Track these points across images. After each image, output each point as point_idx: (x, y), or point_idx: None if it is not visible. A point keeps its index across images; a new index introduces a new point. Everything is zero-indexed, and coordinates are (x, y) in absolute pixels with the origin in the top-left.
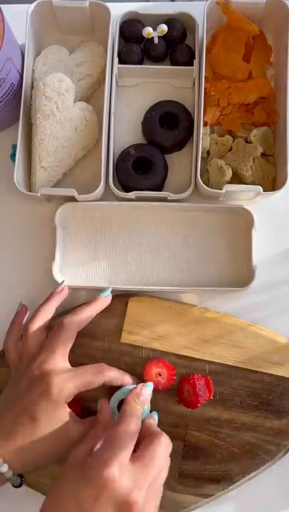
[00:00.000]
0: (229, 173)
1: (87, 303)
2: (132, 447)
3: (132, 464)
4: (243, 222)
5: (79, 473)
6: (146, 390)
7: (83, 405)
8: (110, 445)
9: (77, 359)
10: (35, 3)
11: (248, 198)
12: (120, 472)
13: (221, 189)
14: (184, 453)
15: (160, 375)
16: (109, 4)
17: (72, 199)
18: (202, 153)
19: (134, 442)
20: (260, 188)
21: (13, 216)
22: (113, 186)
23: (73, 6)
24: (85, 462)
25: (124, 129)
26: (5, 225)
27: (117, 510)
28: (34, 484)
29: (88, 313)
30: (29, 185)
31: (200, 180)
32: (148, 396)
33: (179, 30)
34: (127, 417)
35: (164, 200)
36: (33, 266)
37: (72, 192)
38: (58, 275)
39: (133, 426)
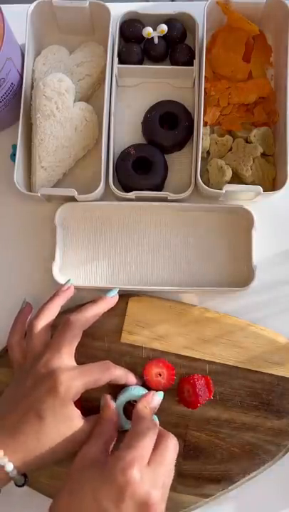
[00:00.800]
0: (229, 173)
1: (93, 301)
2: (151, 450)
3: (148, 465)
4: (243, 222)
5: (98, 472)
6: (157, 398)
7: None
8: (132, 446)
9: (77, 358)
10: (35, 3)
11: (248, 198)
12: (141, 474)
13: (221, 189)
14: (184, 453)
15: (160, 375)
16: (109, 4)
17: (72, 199)
18: (202, 153)
19: (153, 444)
20: (260, 188)
21: (13, 216)
22: (113, 186)
23: (73, 6)
24: (105, 462)
25: (124, 129)
26: (5, 225)
27: (138, 511)
28: (33, 484)
29: (95, 311)
30: (29, 185)
31: (200, 180)
32: (157, 405)
33: (179, 30)
34: (145, 420)
35: (164, 200)
36: (33, 266)
37: (72, 192)
38: (58, 275)
39: (152, 429)
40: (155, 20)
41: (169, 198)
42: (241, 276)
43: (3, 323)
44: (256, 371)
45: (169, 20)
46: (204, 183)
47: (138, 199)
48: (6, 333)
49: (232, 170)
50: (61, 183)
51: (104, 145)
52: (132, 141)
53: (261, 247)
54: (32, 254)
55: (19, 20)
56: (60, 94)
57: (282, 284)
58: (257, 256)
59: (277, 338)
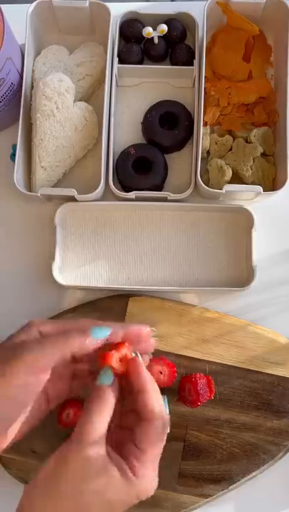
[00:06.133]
0: (229, 173)
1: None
2: None
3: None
4: (243, 222)
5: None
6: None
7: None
8: (153, 454)
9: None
10: (35, 3)
11: (248, 198)
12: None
13: (221, 189)
14: (184, 453)
15: (161, 373)
16: (109, 4)
17: (73, 199)
18: (202, 153)
19: None
20: (260, 188)
21: (13, 216)
22: (113, 186)
23: (73, 5)
24: (115, 475)
25: (124, 129)
26: (5, 225)
27: None
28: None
29: None
30: (29, 185)
31: (200, 180)
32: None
33: (179, 29)
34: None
35: (164, 200)
36: (33, 266)
37: (72, 192)
38: (58, 275)
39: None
40: (155, 20)
41: (169, 198)
42: (241, 276)
43: (4, 322)
44: (256, 371)
45: (169, 20)
46: (204, 183)
47: (138, 199)
48: (6, 332)
49: (232, 170)
50: (61, 182)
51: (104, 145)
52: (131, 141)
53: (261, 247)
54: (32, 254)
55: (19, 21)
56: (60, 94)
57: (282, 284)
58: (257, 256)
59: (278, 338)
